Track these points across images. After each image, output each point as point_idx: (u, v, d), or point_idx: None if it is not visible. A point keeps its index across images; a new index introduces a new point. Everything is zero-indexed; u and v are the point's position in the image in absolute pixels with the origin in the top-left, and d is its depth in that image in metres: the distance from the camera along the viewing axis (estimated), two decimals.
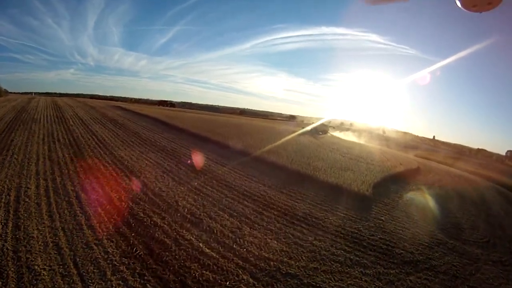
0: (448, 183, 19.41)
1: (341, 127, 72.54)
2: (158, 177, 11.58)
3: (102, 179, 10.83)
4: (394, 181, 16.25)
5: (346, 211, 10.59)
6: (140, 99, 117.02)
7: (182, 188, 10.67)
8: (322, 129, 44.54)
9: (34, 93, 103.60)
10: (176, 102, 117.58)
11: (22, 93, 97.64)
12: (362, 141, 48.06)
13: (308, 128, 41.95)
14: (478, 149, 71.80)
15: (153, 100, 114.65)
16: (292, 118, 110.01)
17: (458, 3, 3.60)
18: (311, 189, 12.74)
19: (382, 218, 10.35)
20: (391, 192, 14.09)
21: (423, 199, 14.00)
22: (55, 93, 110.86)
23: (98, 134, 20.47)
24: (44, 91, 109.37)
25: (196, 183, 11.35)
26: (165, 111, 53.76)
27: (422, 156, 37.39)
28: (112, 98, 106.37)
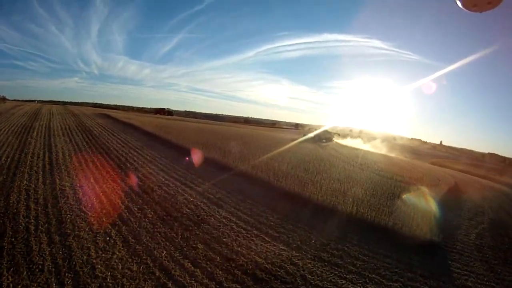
0: (494, 202, 16.31)
1: (351, 134, 68.63)
2: (100, 239, 6.35)
3: None
4: (446, 207, 12.88)
5: (425, 281, 6.34)
6: (142, 108, 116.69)
7: (136, 267, 5.43)
8: (326, 137, 41.70)
9: (37, 101, 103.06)
10: (180, 111, 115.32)
11: (26, 101, 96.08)
12: (384, 151, 43.62)
13: (311, 135, 39.28)
14: (489, 153, 71.45)
15: (152, 109, 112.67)
16: (300, 126, 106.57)
17: (459, 3, 3.53)
18: (363, 243, 7.96)
19: (469, 283, 6.70)
20: (454, 228, 10.51)
21: (486, 232, 10.78)
22: (59, 101, 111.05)
23: (55, 150, 15.38)
24: (49, 99, 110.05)
25: (164, 253, 6.07)
26: (158, 120, 48.70)
27: (465, 171, 32.23)
28: (116, 107, 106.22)
